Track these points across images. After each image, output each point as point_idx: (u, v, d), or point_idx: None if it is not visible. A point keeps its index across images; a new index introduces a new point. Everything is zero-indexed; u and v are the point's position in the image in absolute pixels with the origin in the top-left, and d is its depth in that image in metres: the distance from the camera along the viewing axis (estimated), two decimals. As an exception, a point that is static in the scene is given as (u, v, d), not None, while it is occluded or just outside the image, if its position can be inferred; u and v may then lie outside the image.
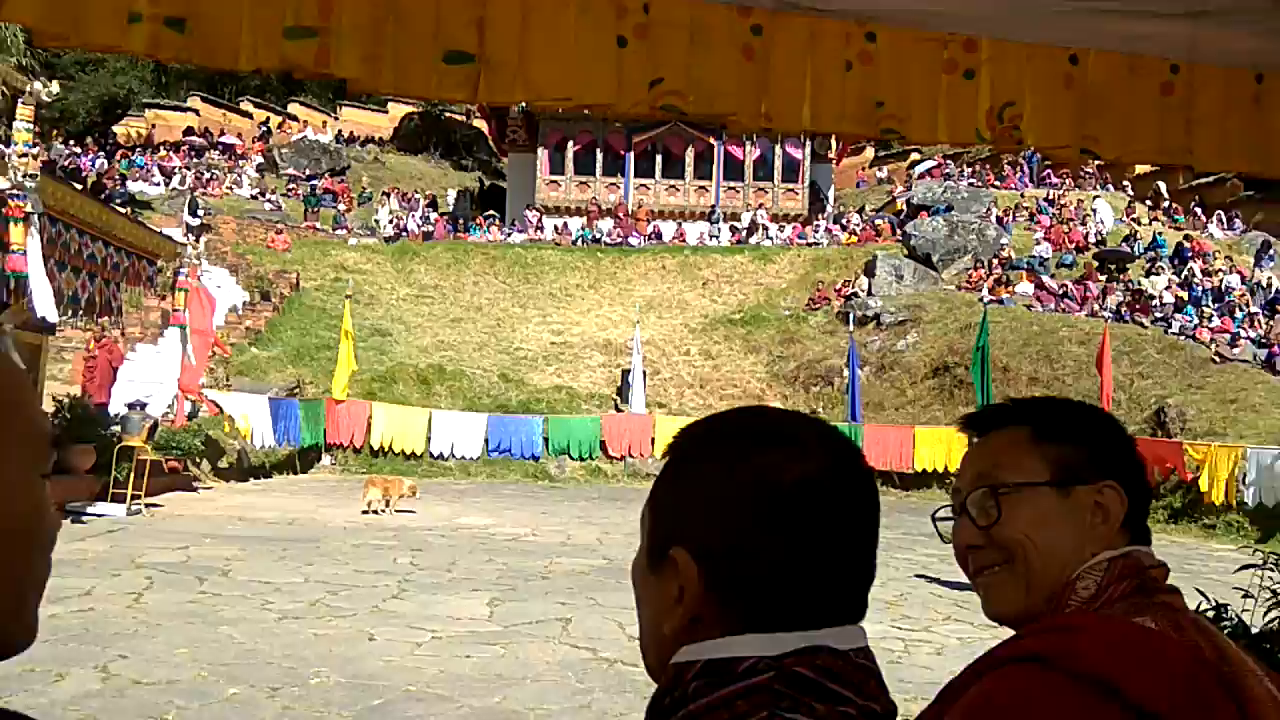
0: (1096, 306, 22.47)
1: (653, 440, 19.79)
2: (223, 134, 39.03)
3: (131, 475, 12.27)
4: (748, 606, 0.78)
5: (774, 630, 0.77)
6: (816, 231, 30.10)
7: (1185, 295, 22.33)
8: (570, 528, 13.08)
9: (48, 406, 12.56)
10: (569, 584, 9.23)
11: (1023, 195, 30.79)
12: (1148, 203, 30.43)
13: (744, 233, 30.43)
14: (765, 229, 30.37)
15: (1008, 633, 1.01)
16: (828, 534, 0.79)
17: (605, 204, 31.40)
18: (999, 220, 28.23)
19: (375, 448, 19.06)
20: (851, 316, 22.13)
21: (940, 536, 1.15)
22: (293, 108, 44.52)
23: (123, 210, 23.65)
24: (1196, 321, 20.68)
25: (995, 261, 25.23)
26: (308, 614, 7.54)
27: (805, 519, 0.79)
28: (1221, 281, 22.85)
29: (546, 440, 19.71)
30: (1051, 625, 0.93)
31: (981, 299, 22.80)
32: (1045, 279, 24.09)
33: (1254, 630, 4.06)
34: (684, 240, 30.20)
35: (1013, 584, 1.04)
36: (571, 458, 19.73)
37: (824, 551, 0.79)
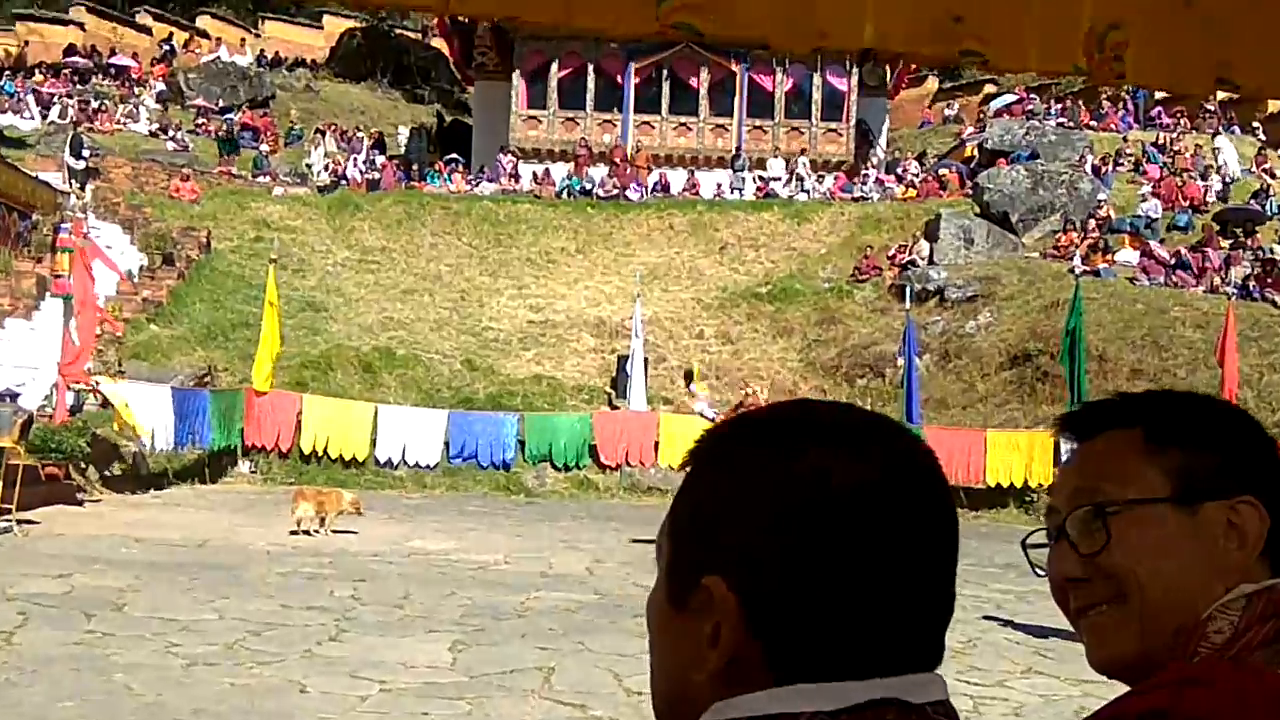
0: (1218, 280, 22.48)
1: (656, 445, 19.80)
2: (114, 54, 38.93)
3: None
4: (800, 648, 0.78)
5: (832, 678, 0.77)
6: (865, 183, 30.09)
7: (1330, 267, 22.34)
8: (552, 554, 13.13)
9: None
10: (551, 624, 9.27)
11: (1125, 139, 30.79)
12: (1284, 149, 30.45)
13: (773, 184, 30.43)
14: (800, 179, 30.37)
15: (1109, 690, 1.00)
16: (899, 555, 0.80)
17: (598, 146, 31.37)
18: (1095, 170, 28.21)
19: (306, 452, 19.09)
20: (908, 291, 22.13)
21: (1033, 568, 1.15)
22: (202, 21, 44.39)
23: (-12, 150, 23.65)
24: (1344, 300, 20.70)
25: (1090, 222, 25.24)
26: (223, 659, 7.58)
27: (872, 535, 0.79)
28: (1376, 250, 22.86)
29: (522, 444, 19.72)
30: (1176, 678, 0.92)
31: (1073, 270, 22.79)
32: (1153, 245, 24.10)
33: None
34: (697, 193, 30.21)
35: (1125, 625, 1.04)
36: (554, 466, 19.76)
37: (895, 577, 0.79)
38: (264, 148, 31.97)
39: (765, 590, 0.79)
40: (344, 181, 30.18)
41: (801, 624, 0.78)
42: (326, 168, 30.99)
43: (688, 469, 0.86)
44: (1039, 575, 1.13)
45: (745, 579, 0.79)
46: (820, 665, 0.78)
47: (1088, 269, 23.00)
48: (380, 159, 31.88)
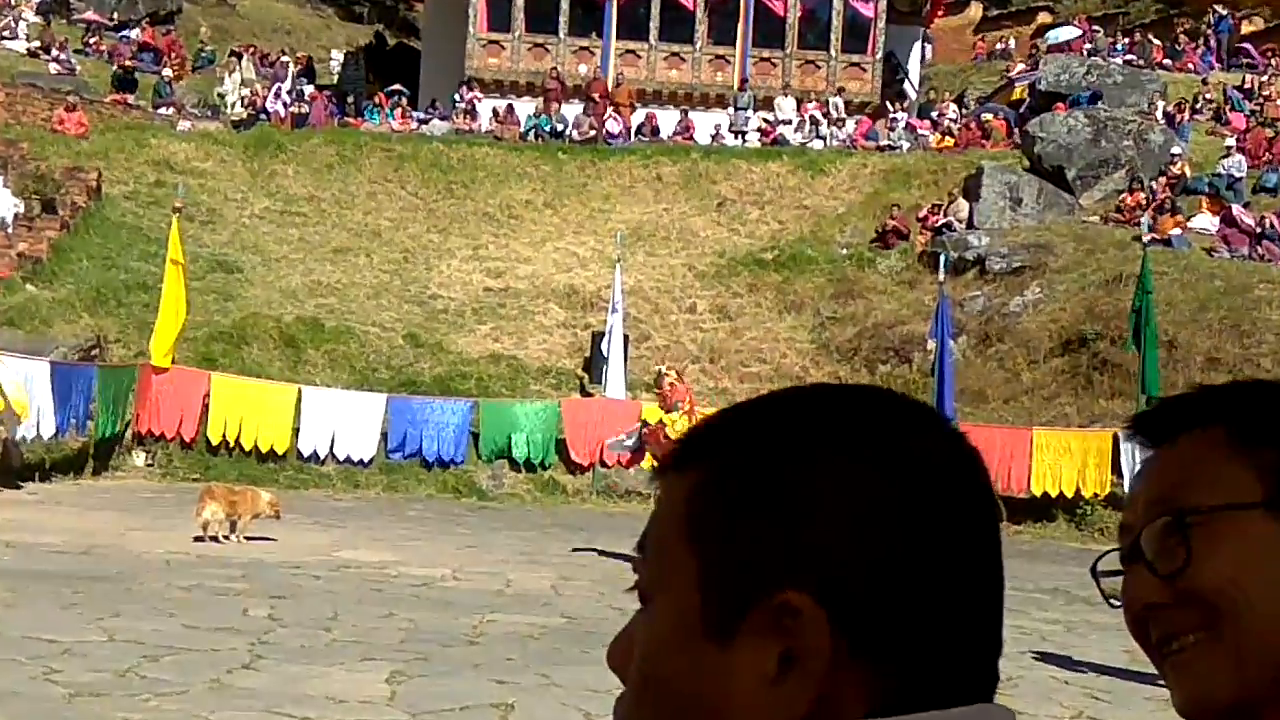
0: (1312, 253, 22.63)
1: (637, 440, 19.85)
2: (-15, -45, 38.54)
3: None
4: (903, 671, 0.78)
5: (927, 707, 0.78)
6: (893, 129, 30.14)
7: None
8: (511, 569, 13.13)
9: None
10: (509, 652, 9.31)
11: (1205, 82, 30.92)
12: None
13: (782, 128, 30.44)
14: (815, 123, 30.39)
15: None
16: (987, 561, 0.84)
17: (573, 79, 31.31)
18: (1169, 118, 28.32)
19: (215, 441, 19.06)
20: (943, 260, 22.16)
21: (1106, 599, 1.13)
22: (94, -83, 43.96)
23: None
24: None
25: (1162, 181, 25.36)
26: (113, 689, 7.59)
27: (971, 537, 0.83)
28: None
29: (476, 437, 19.72)
30: None
31: (1139, 238, 22.89)
32: (1236, 209, 24.22)
33: None
34: (691, 138, 30.20)
35: (1218, 659, 1.01)
36: (513, 465, 19.77)
37: (983, 586, 0.83)
38: (167, 73, 31.76)
39: (867, 604, 0.78)
40: (264, 116, 30.03)
41: (906, 642, 0.78)
42: (243, 99, 30.82)
43: (711, 463, 0.83)
44: (1114, 607, 1.10)
45: (837, 592, 0.78)
46: (920, 691, 0.78)
47: (1157, 237, 23.10)
48: (308, 89, 31.75)
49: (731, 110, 30.93)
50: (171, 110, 29.83)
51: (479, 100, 31.06)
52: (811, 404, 0.85)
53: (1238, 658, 0.99)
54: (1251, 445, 1.04)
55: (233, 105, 30.75)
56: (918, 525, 0.79)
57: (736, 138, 30.24)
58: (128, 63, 31.99)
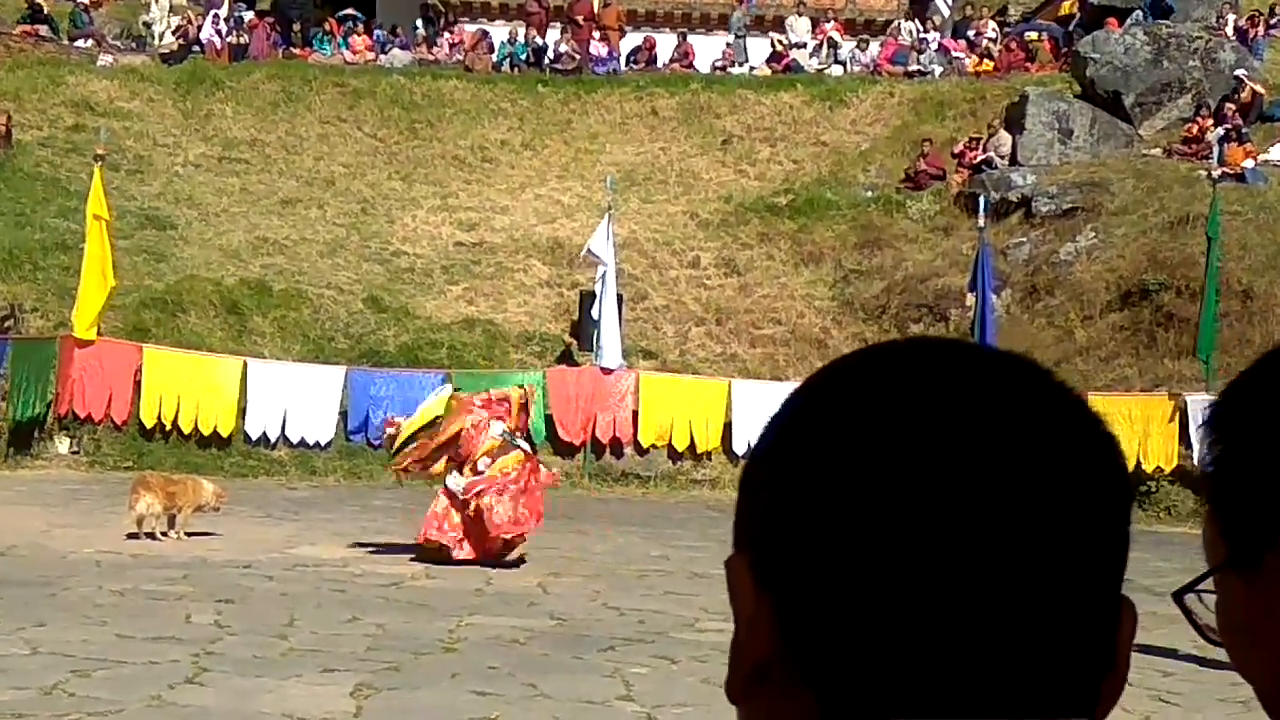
0: (1407, 187, 22.61)
1: (635, 416, 19.83)
2: None
3: None
4: None
5: None
6: (923, 52, 30.01)
7: None
8: (491, 565, 13.15)
9: None
10: (492, 660, 9.32)
11: (1284, -9, 30.77)
12: None
13: (795, 52, 30.33)
14: (834, 47, 30.27)
15: None
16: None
17: (553, -1, 31.18)
18: (1241, 34, 28.20)
19: (149, 424, 19.09)
20: (983, 202, 22.15)
21: (1201, 632, 1.12)
22: None
23: None
24: None
25: (1232, 109, 25.30)
26: (38, 709, 7.60)
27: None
28: None
29: (449, 414, 19.77)
30: None
31: (1208, 173, 22.87)
32: (1319, 139, 24.20)
33: None
34: (691, 65, 30.08)
35: None
36: (493, 444, 19.82)
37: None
38: None
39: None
40: (197, 48, 29.85)
41: None
42: (173, 29, 30.64)
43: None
44: (1213, 642, 1.10)
45: None
46: None
47: (1228, 171, 23.08)
48: (248, 15, 31.54)
49: (733, 35, 30.74)
50: (90, 43, 29.66)
51: (446, 23, 30.89)
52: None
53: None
54: (1220, 503, 1.06)
55: (161, 36, 30.53)
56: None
57: (742, 66, 30.08)
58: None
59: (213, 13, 31.24)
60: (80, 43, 29.68)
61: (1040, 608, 0.80)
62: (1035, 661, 0.81)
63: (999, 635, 0.79)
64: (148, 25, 31.04)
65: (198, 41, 30.10)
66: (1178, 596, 1.09)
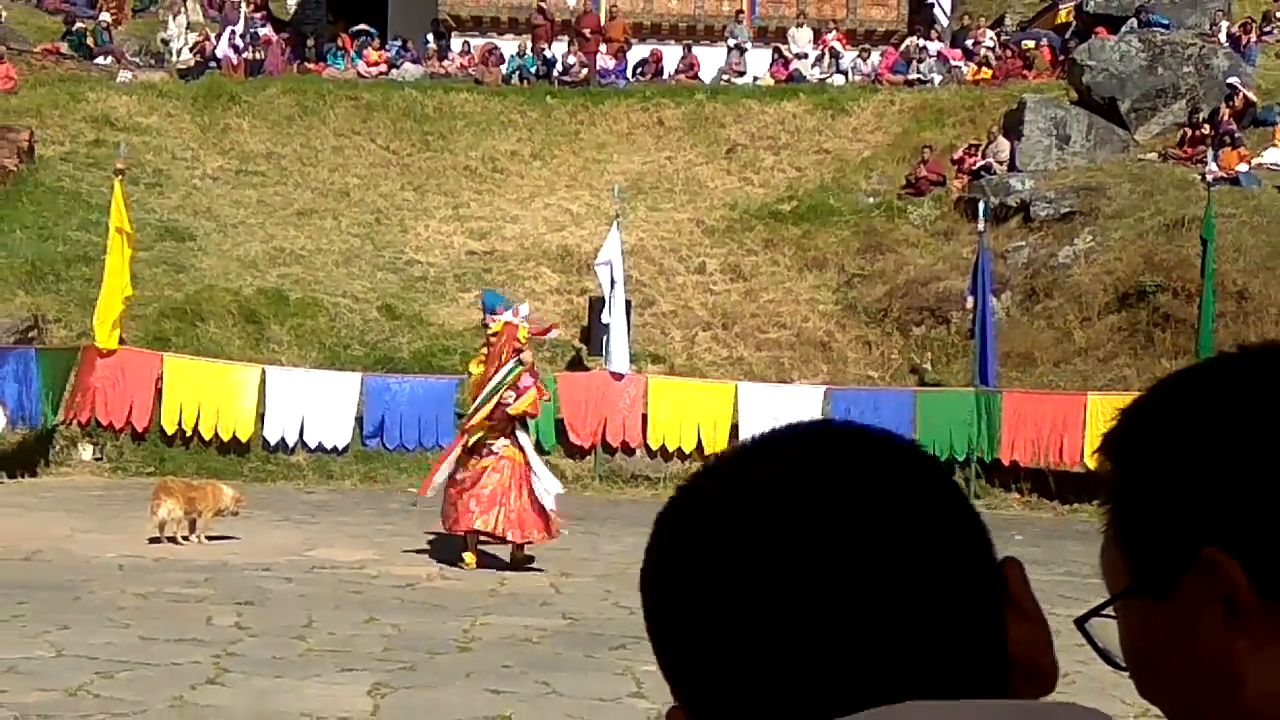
0: (1398, 189, 22.56)
1: (644, 419, 19.84)
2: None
3: None
4: None
5: None
6: (923, 61, 30.01)
7: None
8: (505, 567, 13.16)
9: None
10: (505, 659, 9.34)
11: (1276, -2, 30.73)
12: None
13: (798, 63, 30.33)
14: (836, 57, 30.28)
15: None
16: None
17: (560, 13, 31.18)
18: (1234, 41, 28.17)
19: (170, 431, 19.09)
20: (982, 207, 22.11)
21: (1103, 656, 1.10)
22: None
23: None
24: None
25: (1226, 113, 25.27)
26: (63, 710, 7.62)
27: None
28: None
29: (463, 419, 19.75)
30: None
31: (1204, 176, 22.84)
32: (1312, 142, 24.17)
33: None
34: (696, 76, 30.10)
35: None
36: (505, 448, 19.82)
37: None
38: (105, 17, 31.69)
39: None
40: (214, 64, 29.91)
41: None
42: (190, 45, 30.71)
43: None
44: (1118, 667, 1.09)
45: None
46: None
47: (1224, 175, 23.05)
48: (264, 31, 31.61)
49: (737, 47, 30.72)
50: (110, 60, 29.74)
51: (456, 39, 30.92)
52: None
53: None
54: (1124, 503, 1.05)
55: (178, 52, 30.62)
56: None
57: (745, 76, 30.08)
58: (60, 7, 31.87)
59: (229, 29, 31.30)
60: (100, 60, 29.74)
61: (899, 632, 0.84)
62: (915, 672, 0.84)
63: (871, 653, 0.83)
64: (166, 42, 31.14)
65: (214, 57, 30.15)
66: (1080, 622, 1.09)
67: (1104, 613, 1.06)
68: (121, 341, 19.06)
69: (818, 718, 0.79)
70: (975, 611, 0.85)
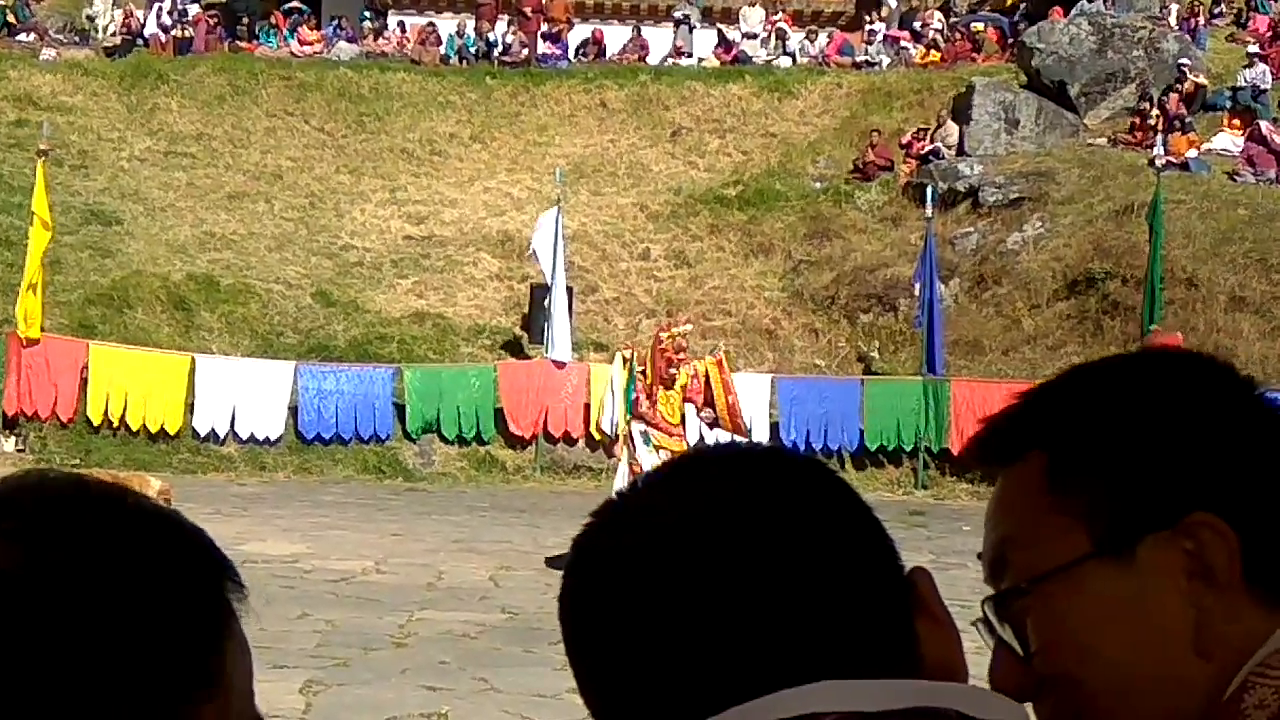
0: (1348, 175, 22.82)
1: (586, 408, 19.81)
2: None
3: None
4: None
5: None
6: (870, 43, 30.11)
7: None
8: (443, 559, 13.12)
9: None
10: (442, 654, 9.30)
11: (1226, -19, 31.02)
12: None
13: (745, 44, 30.36)
14: (783, 38, 30.32)
15: None
16: None
17: (500, -9, 31.08)
18: (1184, 23, 28.42)
19: (96, 421, 18.94)
20: (930, 193, 22.23)
21: (1002, 642, 1.11)
22: None
23: None
24: None
25: (1174, 97, 25.49)
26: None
27: None
28: None
29: (401, 409, 19.67)
30: None
31: (1153, 161, 23.03)
32: (1264, 126, 24.40)
33: None
34: (643, 57, 30.06)
35: None
36: (444, 439, 19.75)
37: None
38: (26, -7, 31.26)
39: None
40: (141, 41, 29.61)
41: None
42: (116, 22, 30.37)
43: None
44: (1023, 656, 1.09)
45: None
46: None
47: (1173, 160, 23.25)
48: (192, 9, 31.30)
49: (683, 25, 30.73)
50: (32, 37, 29.36)
51: (392, 17, 30.79)
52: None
53: None
54: (1070, 481, 1.04)
55: (105, 29, 30.26)
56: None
57: (691, 58, 30.10)
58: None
59: (156, 6, 30.99)
60: (21, 36, 29.36)
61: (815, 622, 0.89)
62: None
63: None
64: (91, 19, 30.76)
65: (141, 35, 29.86)
66: (996, 601, 1.08)
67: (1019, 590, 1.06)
68: (43, 329, 18.87)
69: (734, 700, 0.84)
70: (883, 611, 0.89)
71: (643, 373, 13.26)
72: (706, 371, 13.29)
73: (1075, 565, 1.02)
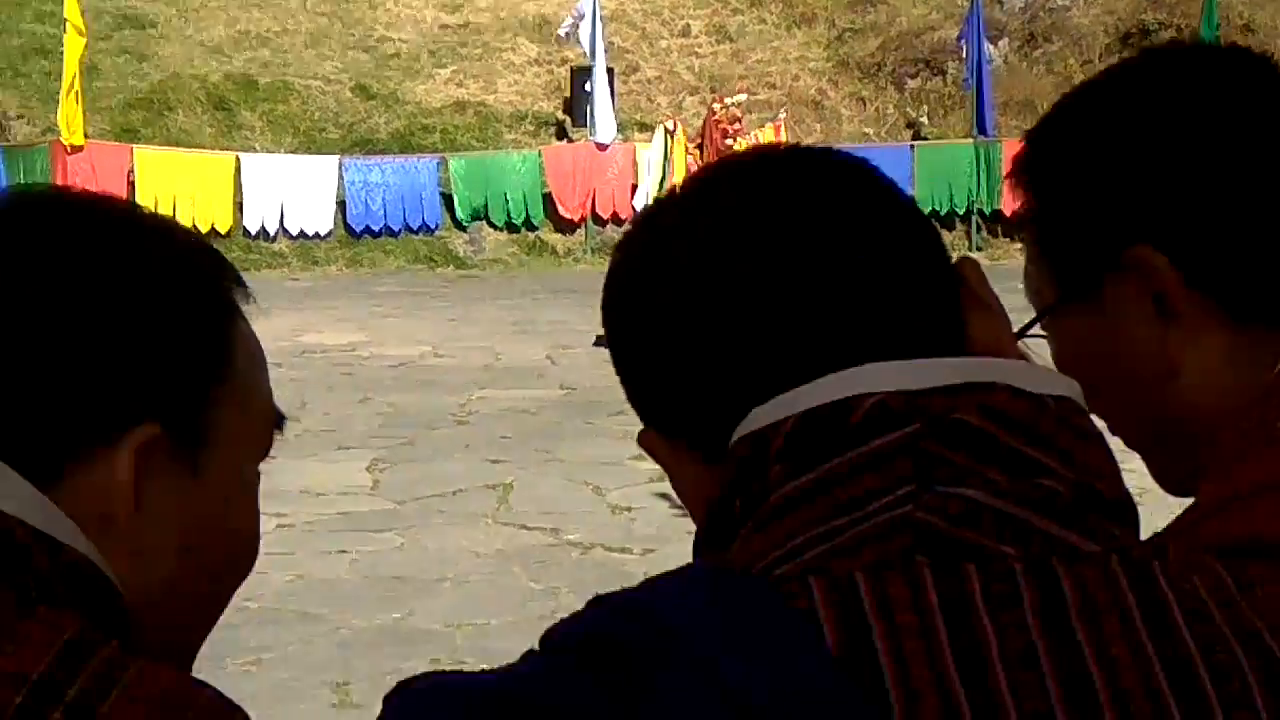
0: None
1: (633, 188, 19.75)
2: None
3: None
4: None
5: None
6: None
7: None
8: (499, 342, 13.34)
9: None
10: (504, 430, 9.48)
11: None
12: None
13: None
14: None
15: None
16: None
17: None
18: None
19: (146, 226, 19.11)
20: (976, -51, 21.76)
21: None
22: None
23: None
24: None
25: None
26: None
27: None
28: None
29: (448, 198, 19.68)
30: (1266, 480, 0.96)
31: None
32: None
33: None
34: None
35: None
36: (493, 225, 19.81)
37: None
38: None
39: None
40: None
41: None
42: None
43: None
44: None
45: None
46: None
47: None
48: None
49: None
50: None
51: None
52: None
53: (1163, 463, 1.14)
54: (1046, 232, 1.11)
55: None
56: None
57: None
58: None
59: None
60: None
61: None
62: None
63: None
64: None
65: None
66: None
67: (1032, 333, 1.11)
68: (87, 135, 18.89)
69: (781, 389, 0.83)
70: (929, 297, 0.89)
71: (699, 147, 13.17)
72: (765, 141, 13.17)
73: (1053, 310, 1.09)
